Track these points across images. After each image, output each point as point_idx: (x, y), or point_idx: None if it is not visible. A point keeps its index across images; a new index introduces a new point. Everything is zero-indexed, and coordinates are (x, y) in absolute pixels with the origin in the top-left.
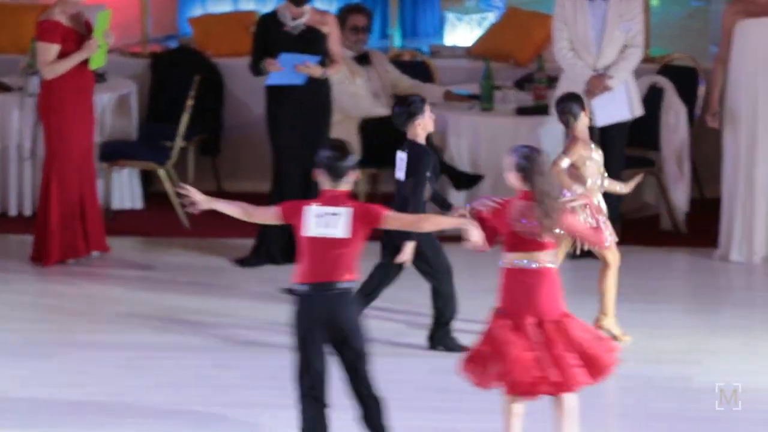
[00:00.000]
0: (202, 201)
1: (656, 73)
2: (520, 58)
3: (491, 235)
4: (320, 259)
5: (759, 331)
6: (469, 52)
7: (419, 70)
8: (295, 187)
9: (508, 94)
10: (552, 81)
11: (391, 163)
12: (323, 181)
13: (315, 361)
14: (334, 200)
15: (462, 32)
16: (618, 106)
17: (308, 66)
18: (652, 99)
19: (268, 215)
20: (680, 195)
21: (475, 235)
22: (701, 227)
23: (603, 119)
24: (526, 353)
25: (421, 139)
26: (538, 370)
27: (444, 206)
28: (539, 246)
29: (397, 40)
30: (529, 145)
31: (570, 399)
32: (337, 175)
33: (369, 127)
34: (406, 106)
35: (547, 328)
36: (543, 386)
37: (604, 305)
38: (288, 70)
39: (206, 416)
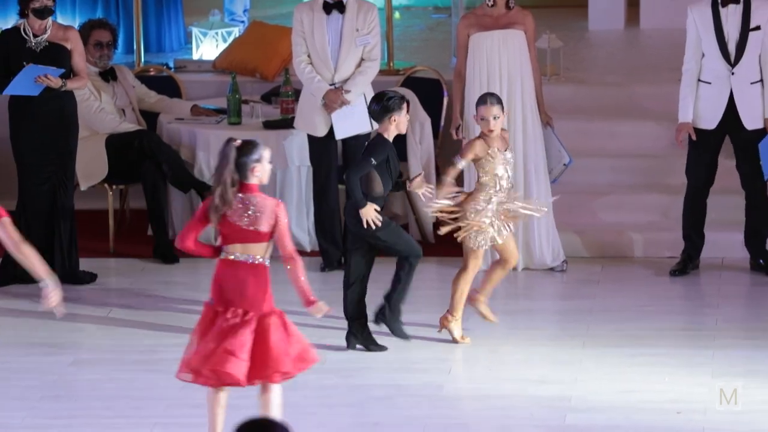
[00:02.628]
0: None
1: (400, 85)
2: (266, 71)
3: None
4: None
5: (504, 338)
6: (214, 66)
7: (166, 84)
8: (41, 206)
9: (255, 108)
10: (299, 94)
11: (139, 178)
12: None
13: None
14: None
15: (208, 47)
16: (357, 119)
17: (48, 78)
18: None
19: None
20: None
21: None
22: (449, 237)
23: (342, 132)
24: (211, 343)
25: (389, 136)
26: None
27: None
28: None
29: (142, 56)
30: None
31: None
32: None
33: (116, 143)
34: (385, 101)
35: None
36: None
37: (453, 306)
38: (29, 80)
39: None
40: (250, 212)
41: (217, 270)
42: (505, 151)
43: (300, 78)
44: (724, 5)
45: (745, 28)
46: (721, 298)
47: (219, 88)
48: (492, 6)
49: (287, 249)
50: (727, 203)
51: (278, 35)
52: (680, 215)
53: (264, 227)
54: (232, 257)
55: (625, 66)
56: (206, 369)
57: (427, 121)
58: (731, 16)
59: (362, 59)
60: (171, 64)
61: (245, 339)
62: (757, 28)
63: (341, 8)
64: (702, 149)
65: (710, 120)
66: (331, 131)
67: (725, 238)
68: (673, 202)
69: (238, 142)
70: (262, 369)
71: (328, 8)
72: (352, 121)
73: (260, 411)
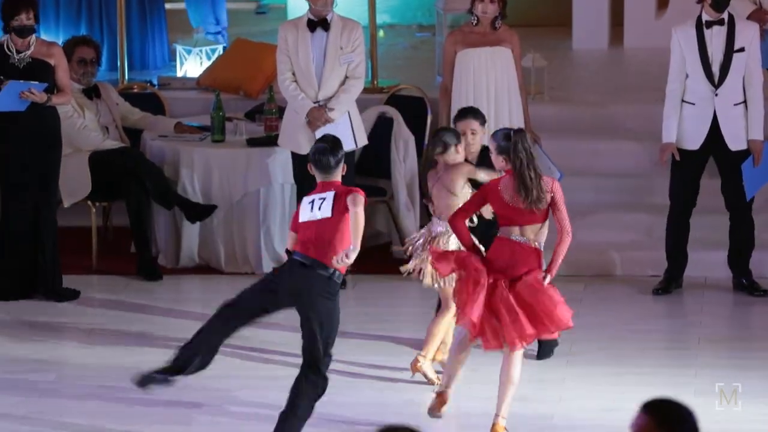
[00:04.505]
0: None
1: (384, 103)
2: (250, 89)
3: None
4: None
5: (486, 357)
6: (198, 83)
7: (149, 102)
8: (24, 223)
9: (239, 126)
10: (283, 111)
11: (122, 196)
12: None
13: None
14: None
15: (192, 64)
16: (341, 137)
17: (33, 92)
18: (382, 129)
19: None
20: (410, 223)
21: None
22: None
23: None
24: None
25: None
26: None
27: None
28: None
29: (126, 73)
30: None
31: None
32: (321, 168)
33: (99, 160)
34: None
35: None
36: None
37: (427, 347)
38: (13, 96)
39: None
40: None
41: None
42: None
43: (284, 95)
44: (708, 27)
45: (729, 50)
46: (704, 317)
47: (203, 106)
48: (476, 24)
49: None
50: (710, 223)
51: (262, 53)
52: (663, 234)
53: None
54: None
55: (609, 85)
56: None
57: (411, 139)
58: (715, 38)
59: (346, 77)
60: (155, 82)
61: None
62: (741, 49)
63: (326, 26)
64: (685, 169)
65: (694, 141)
66: None
67: (708, 257)
68: (656, 221)
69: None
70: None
71: (312, 26)
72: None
73: None
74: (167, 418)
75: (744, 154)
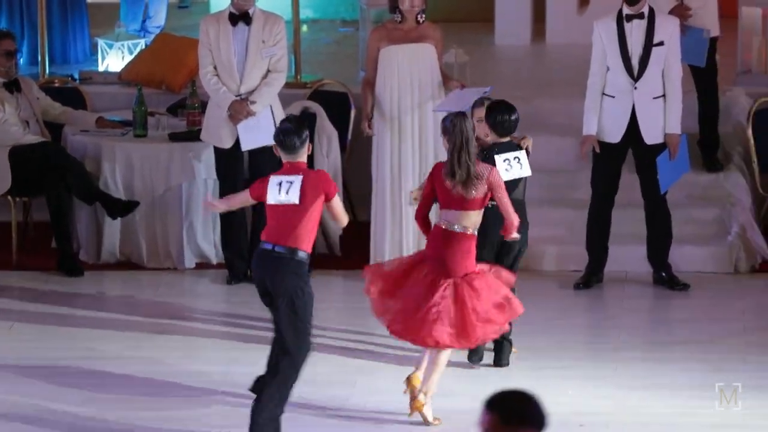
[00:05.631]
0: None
1: (307, 98)
2: (172, 83)
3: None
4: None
5: (411, 352)
6: (120, 78)
7: (71, 96)
8: None
9: (161, 120)
10: (205, 106)
11: (43, 191)
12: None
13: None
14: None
15: (113, 59)
16: (263, 130)
17: None
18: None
19: (238, 202)
20: None
21: None
22: (355, 250)
23: (248, 144)
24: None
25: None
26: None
27: None
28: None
29: (47, 67)
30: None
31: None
32: (287, 148)
33: (19, 155)
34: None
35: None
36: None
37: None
38: None
39: None
40: None
41: None
42: None
43: (206, 89)
44: (628, 20)
45: (649, 43)
46: (625, 312)
47: (125, 100)
48: (401, 21)
49: None
50: (630, 217)
51: (185, 47)
52: (584, 229)
53: None
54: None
55: (531, 81)
56: None
57: (335, 135)
58: (635, 31)
59: (268, 71)
60: (76, 76)
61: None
62: (661, 43)
63: (247, 20)
64: (605, 162)
65: (614, 133)
66: (237, 143)
67: (629, 251)
68: (579, 217)
69: None
70: None
71: (234, 20)
72: (259, 133)
73: None
74: (86, 413)
75: (660, 148)
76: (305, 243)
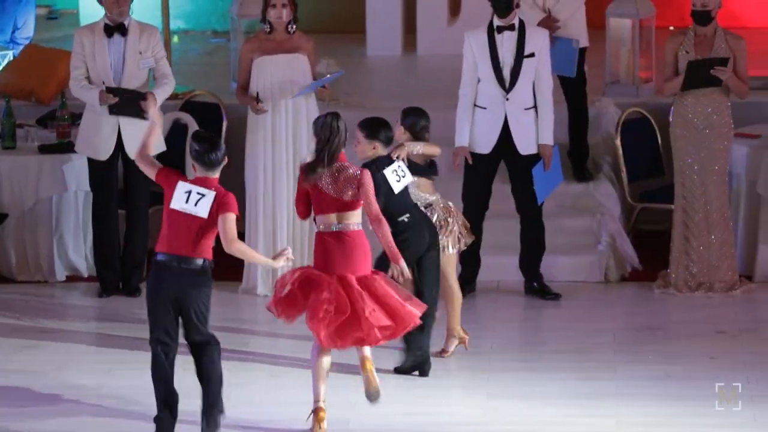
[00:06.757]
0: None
1: (179, 109)
2: (42, 95)
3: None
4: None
5: (287, 361)
6: None
7: None
8: None
9: (30, 132)
10: (75, 118)
11: None
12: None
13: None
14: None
15: None
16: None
17: None
18: (177, 135)
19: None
20: None
21: None
22: (228, 261)
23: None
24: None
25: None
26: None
27: None
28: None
29: None
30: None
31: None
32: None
33: None
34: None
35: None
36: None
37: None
38: None
39: None
40: None
41: None
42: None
43: (76, 94)
44: (499, 32)
45: (520, 55)
46: (497, 321)
47: None
48: (270, 32)
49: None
50: (502, 227)
51: (54, 59)
52: None
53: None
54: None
55: (403, 91)
56: None
57: None
58: (506, 43)
59: (156, 78)
60: None
61: None
62: (532, 55)
63: (123, 31)
64: (477, 173)
65: (485, 144)
66: (113, 155)
67: (501, 261)
68: None
69: None
70: None
71: (109, 31)
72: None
73: None
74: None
75: (534, 159)
76: (206, 252)
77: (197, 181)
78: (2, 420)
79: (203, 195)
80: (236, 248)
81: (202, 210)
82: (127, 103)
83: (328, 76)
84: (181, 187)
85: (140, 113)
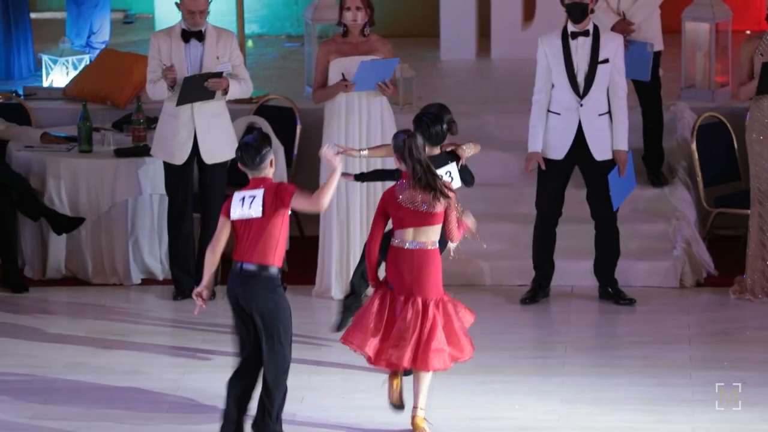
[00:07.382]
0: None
1: (254, 114)
2: (117, 99)
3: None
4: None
5: (358, 366)
6: (65, 94)
7: (15, 112)
8: None
9: (106, 136)
10: (151, 122)
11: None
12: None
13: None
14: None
15: (58, 74)
16: (225, 145)
17: None
18: None
19: (223, 233)
20: None
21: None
22: (302, 264)
23: (211, 158)
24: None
25: None
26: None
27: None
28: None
29: None
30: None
31: None
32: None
33: None
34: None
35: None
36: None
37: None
38: None
39: None
40: None
41: None
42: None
43: (150, 93)
44: (573, 38)
45: (594, 61)
46: (571, 326)
47: (69, 116)
48: (345, 35)
49: None
50: (577, 232)
51: (130, 63)
52: (529, 243)
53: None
54: None
55: (476, 96)
56: None
57: (281, 150)
58: (581, 49)
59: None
60: (20, 92)
61: None
62: (606, 61)
63: (200, 37)
64: (551, 179)
65: (559, 150)
66: (189, 159)
67: (575, 266)
68: (522, 231)
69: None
70: None
71: (186, 37)
72: (221, 147)
73: None
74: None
75: (609, 164)
76: (271, 257)
77: (250, 185)
78: (79, 421)
79: (254, 196)
80: (323, 201)
81: (256, 210)
82: (193, 89)
83: (382, 59)
84: (237, 195)
85: (207, 95)
